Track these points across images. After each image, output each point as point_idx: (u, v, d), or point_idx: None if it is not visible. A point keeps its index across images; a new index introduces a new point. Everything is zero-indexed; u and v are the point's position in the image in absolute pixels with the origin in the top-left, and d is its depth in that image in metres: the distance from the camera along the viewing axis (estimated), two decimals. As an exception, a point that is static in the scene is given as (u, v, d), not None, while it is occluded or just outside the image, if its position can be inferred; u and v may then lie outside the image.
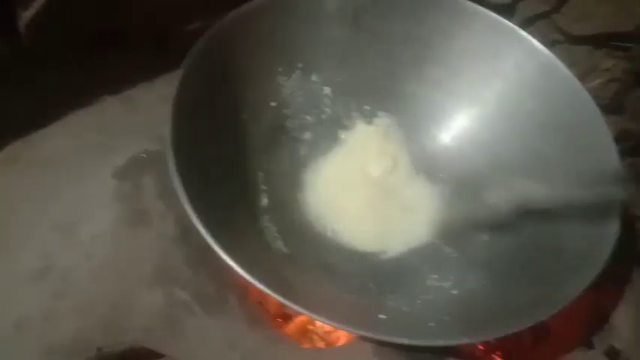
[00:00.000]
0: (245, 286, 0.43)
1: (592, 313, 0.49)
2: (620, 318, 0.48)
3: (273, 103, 0.52)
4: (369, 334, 0.37)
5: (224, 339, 0.41)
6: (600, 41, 0.66)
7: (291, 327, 0.45)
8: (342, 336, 0.45)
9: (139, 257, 0.43)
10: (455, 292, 0.45)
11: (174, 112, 0.40)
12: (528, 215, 0.48)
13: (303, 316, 0.45)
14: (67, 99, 0.53)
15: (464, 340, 0.37)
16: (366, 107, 0.55)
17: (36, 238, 0.44)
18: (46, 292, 0.42)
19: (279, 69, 0.52)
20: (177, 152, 0.39)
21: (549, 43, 0.51)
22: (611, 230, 0.42)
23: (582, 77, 0.64)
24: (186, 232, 0.44)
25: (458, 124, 0.54)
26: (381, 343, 0.39)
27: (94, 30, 0.55)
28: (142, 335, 0.41)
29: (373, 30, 0.53)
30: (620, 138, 0.67)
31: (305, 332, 0.45)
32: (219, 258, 0.37)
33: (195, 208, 0.36)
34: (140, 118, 0.53)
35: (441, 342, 0.36)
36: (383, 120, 0.54)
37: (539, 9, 0.66)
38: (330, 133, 0.54)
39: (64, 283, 0.42)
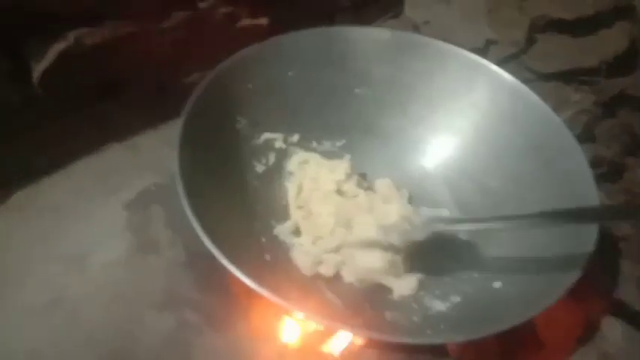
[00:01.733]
0: (249, 303, 0.45)
1: (583, 323, 0.51)
2: (610, 326, 0.50)
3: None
4: (378, 337, 0.39)
5: (235, 357, 0.42)
6: (568, 77, 0.71)
7: (302, 342, 0.47)
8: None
9: (149, 284, 0.45)
10: (444, 307, 0.48)
11: (181, 145, 0.44)
12: (510, 233, 0.51)
13: (313, 330, 0.47)
14: (74, 147, 0.57)
15: (459, 339, 0.39)
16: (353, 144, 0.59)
17: (47, 272, 0.46)
18: (57, 324, 0.44)
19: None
20: (185, 181, 0.42)
21: (522, 82, 0.56)
22: (588, 245, 0.44)
23: (555, 110, 0.69)
24: (194, 258, 0.46)
25: (441, 155, 0.58)
26: (384, 350, 0.41)
27: (98, 82, 0.59)
28: (154, 359, 0.42)
29: (358, 74, 0.58)
30: (594, 165, 0.71)
31: (315, 346, 0.46)
32: (223, 278, 0.39)
33: (203, 227, 0.39)
34: (145, 159, 0.57)
35: (439, 340, 0.39)
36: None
37: (508, 51, 0.72)
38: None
39: (75, 315, 0.44)
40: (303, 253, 0.49)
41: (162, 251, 0.47)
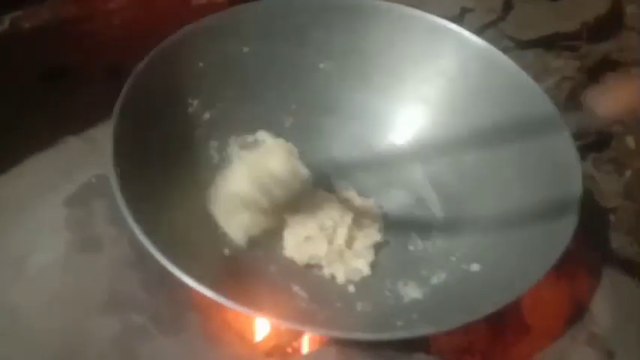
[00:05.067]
0: (205, 303, 0.41)
1: (570, 303, 0.48)
2: (598, 305, 0.47)
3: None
4: (337, 334, 0.36)
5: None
6: (549, 43, 0.67)
7: (255, 343, 0.43)
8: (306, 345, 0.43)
9: (92, 285, 0.42)
10: (420, 294, 0.45)
11: (116, 131, 0.40)
12: (488, 211, 0.48)
13: (268, 330, 0.43)
14: (18, 140, 0.53)
15: (429, 331, 0.35)
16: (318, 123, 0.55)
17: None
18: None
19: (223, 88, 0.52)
20: (120, 173, 0.39)
21: (501, 50, 0.52)
22: (571, 221, 0.41)
23: (536, 79, 0.66)
24: (141, 255, 0.42)
25: (412, 129, 0.55)
26: (345, 347, 0.37)
27: (41, 68, 0.56)
28: (98, 365, 0.39)
29: (319, 47, 0.54)
30: (581, 134, 0.68)
31: (270, 347, 0.43)
32: (175, 277, 0.36)
33: (138, 219, 0.36)
34: (98, 152, 0.53)
35: (405, 334, 0.35)
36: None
37: (486, 19, 0.68)
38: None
39: (14, 320, 0.40)
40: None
41: (106, 249, 0.43)
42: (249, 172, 0.47)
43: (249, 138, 0.53)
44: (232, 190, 0.46)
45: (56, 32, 0.54)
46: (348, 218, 0.47)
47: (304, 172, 0.48)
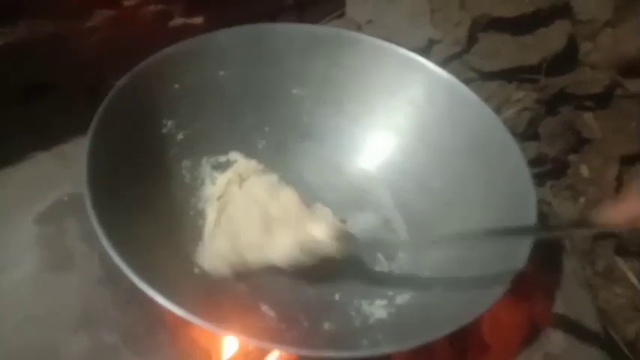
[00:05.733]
0: (176, 322, 0.42)
1: (527, 323, 0.50)
2: (553, 326, 0.50)
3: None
4: (304, 353, 0.36)
5: (153, 379, 0.39)
6: (510, 75, 0.71)
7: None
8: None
9: (63, 302, 0.42)
10: (385, 313, 0.46)
11: (90, 150, 0.41)
12: (450, 235, 0.49)
13: (236, 349, 0.44)
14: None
15: (393, 349, 0.37)
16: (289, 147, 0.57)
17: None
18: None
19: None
20: (94, 190, 0.39)
21: (464, 81, 0.55)
22: (527, 244, 0.43)
23: (498, 109, 0.69)
24: (112, 273, 0.43)
25: (382, 155, 0.57)
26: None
27: (16, 85, 0.55)
28: (67, 385, 0.39)
29: (294, 73, 0.56)
30: (539, 162, 0.71)
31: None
32: (146, 296, 0.36)
33: (110, 238, 0.36)
34: (70, 169, 0.53)
35: (370, 352, 0.36)
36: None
37: (451, 51, 0.71)
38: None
39: (-19, 338, 0.40)
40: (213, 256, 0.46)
41: (77, 267, 0.43)
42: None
43: (222, 158, 0.54)
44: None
45: (32, 50, 0.54)
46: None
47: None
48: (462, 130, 0.53)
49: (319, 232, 0.43)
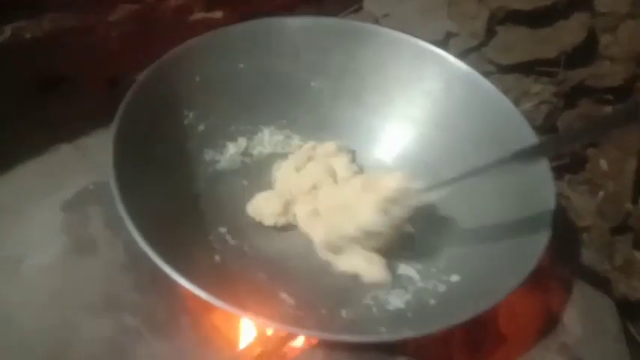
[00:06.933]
0: (197, 307, 0.43)
1: (543, 314, 0.50)
2: (570, 317, 0.49)
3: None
4: (325, 336, 0.37)
5: (175, 363, 0.40)
6: (528, 68, 0.71)
7: (247, 347, 0.45)
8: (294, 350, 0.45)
9: (87, 287, 0.43)
10: (403, 303, 0.46)
11: (117, 141, 0.42)
12: (468, 225, 0.50)
13: (256, 336, 0.45)
14: (17, 147, 0.54)
15: (412, 334, 0.37)
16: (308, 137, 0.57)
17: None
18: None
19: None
20: (120, 179, 0.40)
21: (482, 74, 0.55)
22: (544, 235, 0.43)
23: (516, 102, 0.69)
24: (136, 259, 0.44)
25: (398, 146, 0.57)
26: (331, 350, 0.39)
27: (40, 78, 0.57)
28: (90, 366, 0.40)
29: (312, 66, 0.56)
30: (556, 156, 0.71)
31: (258, 353, 0.44)
32: (169, 280, 0.37)
33: (135, 223, 0.37)
34: (91, 159, 0.54)
35: (389, 337, 0.37)
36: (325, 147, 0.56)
37: (469, 44, 0.71)
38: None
39: (9, 320, 0.41)
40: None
41: (101, 252, 0.44)
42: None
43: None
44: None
45: (56, 43, 0.56)
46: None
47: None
48: (481, 122, 0.53)
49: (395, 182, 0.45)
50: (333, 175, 0.53)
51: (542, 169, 0.48)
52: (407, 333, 0.37)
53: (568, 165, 0.72)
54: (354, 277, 0.48)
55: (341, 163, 0.53)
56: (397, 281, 0.48)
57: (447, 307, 0.43)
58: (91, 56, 0.59)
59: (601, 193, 0.70)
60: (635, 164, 0.67)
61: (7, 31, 0.53)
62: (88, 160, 0.55)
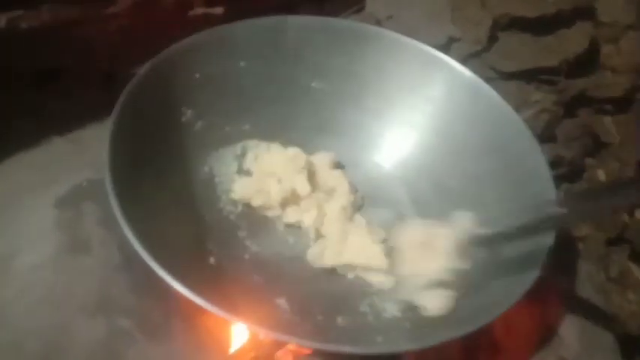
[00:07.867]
0: (191, 310, 0.42)
1: (540, 326, 0.50)
2: (567, 329, 0.49)
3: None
4: (320, 347, 0.36)
5: (168, 366, 0.40)
6: (529, 76, 0.70)
7: (240, 351, 0.44)
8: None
9: (79, 287, 0.42)
10: (399, 311, 0.46)
11: (113, 139, 0.41)
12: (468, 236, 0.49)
13: (249, 340, 0.44)
14: (10, 140, 0.53)
15: (411, 347, 0.37)
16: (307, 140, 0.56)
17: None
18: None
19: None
20: (115, 177, 0.39)
21: (483, 80, 0.55)
22: (545, 244, 0.43)
23: (516, 110, 0.68)
24: (130, 259, 0.43)
25: (398, 151, 0.56)
26: (326, 356, 0.38)
27: (36, 69, 0.56)
28: (81, 369, 0.39)
29: (314, 66, 0.55)
30: (555, 164, 0.71)
31: (264, 356, 0.44)
32: (163, 282, 0.36)
33: (132, 226, 0.36)
34: (87, 153, 0.53)
35: (388, 348, 0.36)
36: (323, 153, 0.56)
37: (471, 49, 0.70)
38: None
39: (0, 320, 0.40)
40: None
41: (94, 251, 0.43)
42: None
43: (238, 149, 0.54)
44: None
45: (53, 34, 0.55)
46: None
47: None
48: (483, 128, 0.53)
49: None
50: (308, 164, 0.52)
51: (545, 180, 0.48)
52: (406, 346, 0.37)
53: (566, 174, 0.71)
54: (351, 283, 0.47)
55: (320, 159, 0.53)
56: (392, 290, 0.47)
57: (445, 319, 0.42)
58: (86, 49, 0.58)
59: (598, 204, 0.70)
60: (632, 175, 0.67)
61: (2, 20, 0.51)
62: (83, 155, 0.54)
